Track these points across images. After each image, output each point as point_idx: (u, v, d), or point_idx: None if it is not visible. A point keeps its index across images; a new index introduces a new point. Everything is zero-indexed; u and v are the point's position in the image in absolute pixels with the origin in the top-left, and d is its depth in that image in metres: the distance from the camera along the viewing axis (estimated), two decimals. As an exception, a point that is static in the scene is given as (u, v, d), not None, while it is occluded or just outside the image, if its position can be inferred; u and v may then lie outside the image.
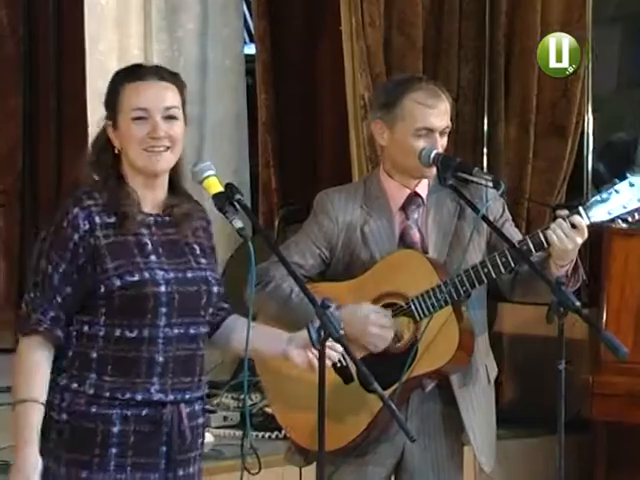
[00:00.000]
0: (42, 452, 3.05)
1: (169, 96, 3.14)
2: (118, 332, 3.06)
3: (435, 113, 3.63)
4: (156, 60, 6.40)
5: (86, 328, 3.08)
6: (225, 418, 5.21)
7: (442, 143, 3.65)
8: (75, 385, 3.07)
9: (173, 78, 3.17)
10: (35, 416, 3.05)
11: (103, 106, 3.20)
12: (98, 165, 3.15)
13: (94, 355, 3.07)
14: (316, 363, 3.09)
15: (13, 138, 8.10)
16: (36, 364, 3.06)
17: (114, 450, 3.06)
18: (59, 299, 3.06)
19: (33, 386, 3.06)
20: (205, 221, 3.27)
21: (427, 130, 3.62)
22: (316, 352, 3.08)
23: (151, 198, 3.16)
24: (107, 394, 3.06)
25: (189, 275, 3.13)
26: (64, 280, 3.06)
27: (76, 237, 3.05)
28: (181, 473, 3.14)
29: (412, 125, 3.63)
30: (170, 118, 3.12)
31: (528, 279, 3.60)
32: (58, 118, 8.12)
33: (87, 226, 3.06)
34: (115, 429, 3.05)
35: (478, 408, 3.70)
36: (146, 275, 3.06)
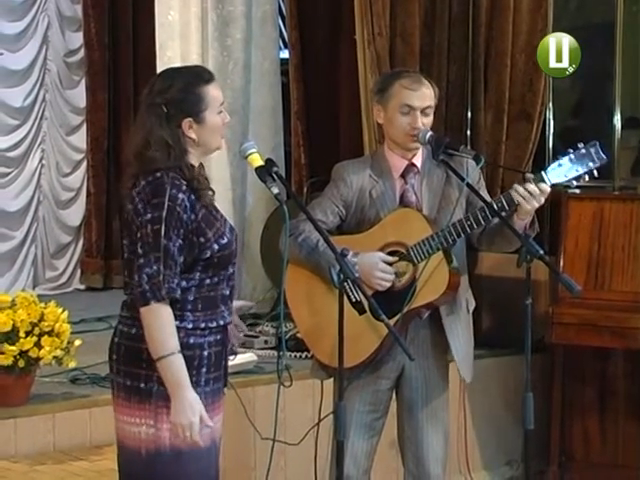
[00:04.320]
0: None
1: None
2: (208, 281, 3.00)
3: (416, 95, 3.56)
4: (211, 63, 6.36)
5: (184, 283, 2.98)
6: (266, 342, 5.18)
7: (425, 121, 3.57)
8: (177, 322, 2.96)
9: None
10: (183, 364, 2.93)
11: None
12: (179, 152, 3.01)
13: (190, 298, 2.99)
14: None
15: (101, 125, 8.12)
16: (171, 323, 2.93)
17: (204, 369, 3.01)
18: (178, 269, 2.95)
19: (175, 340, 2.93)
20: None
21: (409, 107, 3.55)
22: None
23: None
24: (202, 325, 3.00)
25: (230, 228, 3.10)
26: (180, 252, 2.94)
27: (185, 217, 2.94)
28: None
29: (398, 103, 3.57)
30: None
31: (492, 234, 3.56)
32: (135, 110, 8.10)
33: (189, 206, 2.96)
34: (205, 353, 3.00)
35: (460, 332, 3.65)
36: (228, 237, 3.02)
